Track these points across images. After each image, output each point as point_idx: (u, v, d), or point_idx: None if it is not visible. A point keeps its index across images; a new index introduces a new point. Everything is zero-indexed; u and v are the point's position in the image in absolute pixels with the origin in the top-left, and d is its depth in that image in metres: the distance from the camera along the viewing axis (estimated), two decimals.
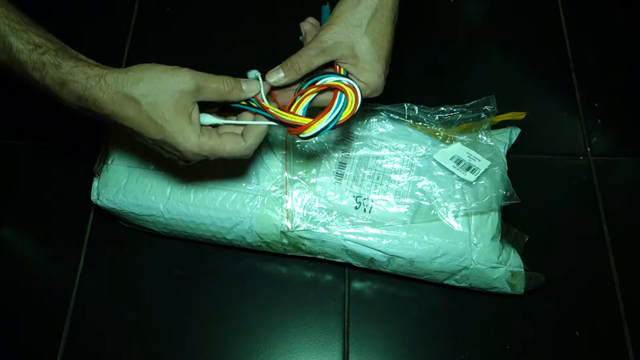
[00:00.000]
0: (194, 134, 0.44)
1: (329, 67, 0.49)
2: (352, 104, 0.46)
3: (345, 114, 0.46)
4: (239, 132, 0.47)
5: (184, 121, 0.43)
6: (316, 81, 0.47)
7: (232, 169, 0.60)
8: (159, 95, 0.42)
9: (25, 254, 0.69)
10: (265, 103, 0.47)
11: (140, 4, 0.85)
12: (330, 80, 0.47)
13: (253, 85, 0.47)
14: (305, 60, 0.46)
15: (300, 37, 0.52)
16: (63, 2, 0.84)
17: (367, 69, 0.47)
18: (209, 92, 0.44)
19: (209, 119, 0.47)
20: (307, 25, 0.51)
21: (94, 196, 0.62)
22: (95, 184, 0.62)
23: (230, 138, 0.46)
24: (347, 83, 0.47)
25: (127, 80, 0.42)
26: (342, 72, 0.48)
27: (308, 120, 0.46)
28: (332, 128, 0.46)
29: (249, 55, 0.79)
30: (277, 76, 0.47)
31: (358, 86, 0.47)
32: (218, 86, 0.45)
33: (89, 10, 0.84)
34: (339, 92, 0.46)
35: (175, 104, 0.43)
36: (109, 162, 0.62)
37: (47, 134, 0.75)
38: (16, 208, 0.71)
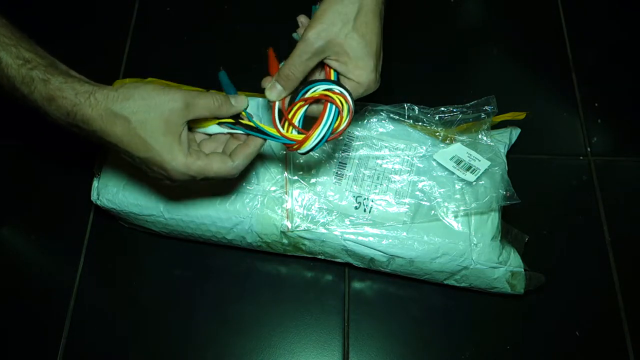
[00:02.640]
0: (182, 154, 0.44)
1: (320, 68, 0.48)
2: (346, 113, 0.45)
3: (340, 125, 0.45)
4: (226, 152, 0.47)
5: (173, 140, 0.43)
6: (307, 90, 0.46)
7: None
8: (149, 112, 0.42)
9: (25, 254, 0.69)
10: (255, 121, 0.46)
11: (140, 4, 0.85)
12: (321, 88, 0.45)
13: (241, 101, 0.46)
14: (299, 66, 0.45)
15: (294, 34, 0.51)
16: (63, 2, 0.84)
17: (360, 66, 0.45)
18: (199, 108, 0.44)
19: (215, 128, 0.47)
20: (303, 18, 0.49)
21: (94, 196, 0.62)
22: (95, 184, 0.62)
23: (218, 158, 0.45)
24: (338, 91, 0.45)
25: (117, 98, 0.42)
26: (332, 76, 0.46)
27: (300, 137, 0.45)
28: (328, 140, 0.45)
29: (251, 54, 0.79)
30: (277, 91, 0.46)
31: (349, 91, 0.45)
32: (207, 102, 0.44)
33: (89, 11, 0.84)
34: (329, 105, 0.45)
35: (165, 122, 0.43)
36: (109, 162, 0.62)
37: (47, 134, 0.75)
38: (16, 208, 0.71)
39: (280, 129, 0.46)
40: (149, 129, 0.42)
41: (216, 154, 0.46)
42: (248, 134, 0.47)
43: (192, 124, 0.47)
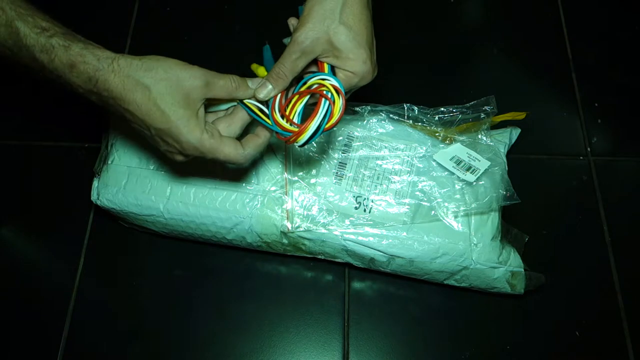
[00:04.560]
0: (198, 128, 0.44)
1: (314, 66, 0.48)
2: (339, 105, 0.45)
3: (333, 117, 0.45)
4: (237, 139, 0.48)
5: (191, 114, 0.44)
6: (304, 84, 0.47)
7: (232, 169, 0.60)
8: (171, 85, 0.43)
9: (25, 254, 0.69)
10: (255, 104, 0.47)
11: (140, 4, 0.85)
12: (314, 79, 0.46)
13: (261, 85, 0.47)
14: (288, 66, 0.46)
15: (284, 40, 0.51)
16: (63, 2, 0.84)
17: (351, 58, 0.45)
18: (217, 88, 0.45)
19: (224, 106, 0.48)
20: (294, 20, 0.50)
21: (94, 196, 0.62)
22: (95, 184, 0.62)
23: (230, 142, 0.46)
24: (332, 84, 0.45)
25: (141, 67, 0.43)
26: (325, 69, 0.46)
27: (296, 129, 0.46)
28: (325, 131, 0.46)
29: (250, 54, 0.79)
30: (266, 89, 0.47)
31: (341, 83, 0.45)
32: (225, 83, 0.45)
33: (88, 10, 0.84)
34: (323, 100, 0.45)
35: (185, 96, 0.43)
36: (109, 162, 0.62)
37: (47, 134, 0.75)
38: (16, 208, 0.71)
39: (280, 119, 0.46)
40: (168, 101, 0.43)
41: (230, 139, 0.47)
42: (253, 118, 0.48)
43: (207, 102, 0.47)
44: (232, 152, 0.46)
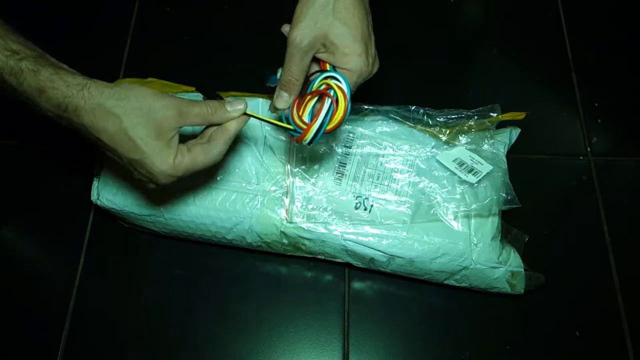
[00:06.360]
0: (171, 157, 0.44)
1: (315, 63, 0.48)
2: (342, 103, 0.46)
3: (336, 117, 0.46)
4: (204, 141, 0.47)
5: (163, 145, 0.43)
6: (313, 84, 0.47)
7: (232, 169, 0.60)
8: (142, 115, 0.42)
9: (25, 254, 0.69)
10: (262, 116, 0.48)
11: (140, 4, 0.85)
12: (320, 78, 0.46)
13: (238, 105, 0.46)
14: (294, 70, 0.45)
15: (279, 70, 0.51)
16: (63, 2, 0.84)
17: (347, 53, 0.45)
18: (192, 116, 0.44)
19: None
20: (287, 27, 0.49)
21: (94, 196, 0.62)
22: (95, 184, 0.62)
23: (201, 149, 0.46)
24: (337, 85, 0.46)
25: (112, 95, 0.42)
26: (327, 68, 0.47)
27: (304, 127, 0.46)
28: (327, 131, 0.46)
29: (250, 54, 0.79)
30: (283, 99, 0.47)
31: (345, 79, 0.45)
32: (200, 110, 0.45)
33: (89, 11, 0.84)
34: (326, 99, 0.46)
35: (157, 127, 0.43)
36: (109, 161, 0.62)
37: (47, 134, 0.75)
38: (16, 208, 0.71)
39: (299, 122, 0.47)
40: (140, 132, 0.42)
41: (197, 147, 0.46)
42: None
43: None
44: (206, 157, 0.46)
